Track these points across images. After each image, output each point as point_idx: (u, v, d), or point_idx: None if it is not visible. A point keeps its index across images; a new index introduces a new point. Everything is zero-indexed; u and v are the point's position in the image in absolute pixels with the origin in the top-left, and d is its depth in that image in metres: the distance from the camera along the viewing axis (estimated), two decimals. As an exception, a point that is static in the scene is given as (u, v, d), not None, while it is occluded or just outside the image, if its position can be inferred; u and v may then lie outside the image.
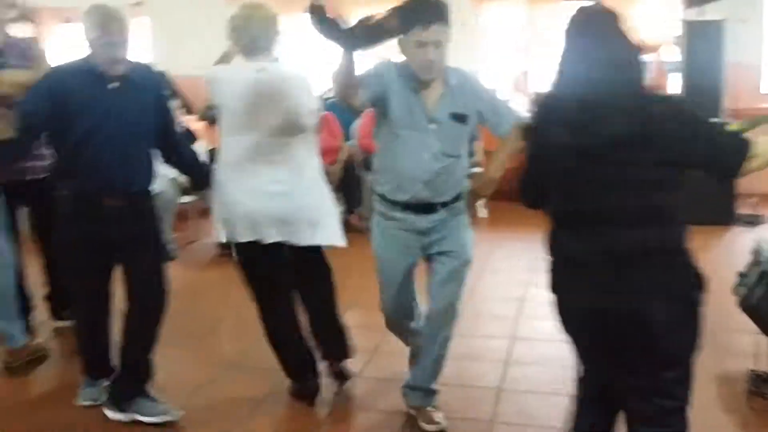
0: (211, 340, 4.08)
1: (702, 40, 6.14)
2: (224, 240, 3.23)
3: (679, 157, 1.95)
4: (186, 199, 5.70)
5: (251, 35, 3.05)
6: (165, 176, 5.48)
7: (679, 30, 6.39)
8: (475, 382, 3.43)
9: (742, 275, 3.34)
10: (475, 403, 3.23)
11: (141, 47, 9.11)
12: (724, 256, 5.14)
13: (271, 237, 3.07)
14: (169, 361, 3.49)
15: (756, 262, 3.29)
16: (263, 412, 3.23)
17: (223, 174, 3.15)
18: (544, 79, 7.91)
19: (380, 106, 2.83)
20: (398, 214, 2.90)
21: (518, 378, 3.45)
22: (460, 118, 2.84)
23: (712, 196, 6.07)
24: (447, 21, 2.73)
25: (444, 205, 2.89)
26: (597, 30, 2.04)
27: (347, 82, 2.64)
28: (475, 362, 3.65)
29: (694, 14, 6.31)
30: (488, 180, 2.90)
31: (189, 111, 7.81)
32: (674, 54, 6.67)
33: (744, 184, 6.04)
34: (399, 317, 3.11)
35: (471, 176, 3.04)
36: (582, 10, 2.08)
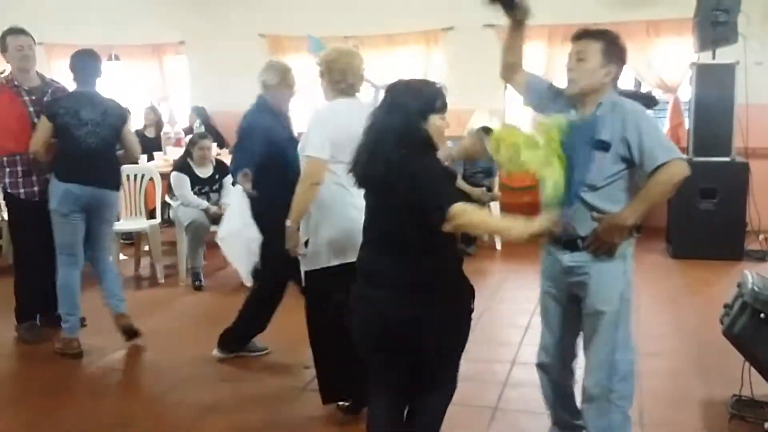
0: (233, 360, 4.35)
1: (712, 82, 6.36)
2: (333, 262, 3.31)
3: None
4: (216, 228, 6.00)
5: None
6: (198, 206, 5.86)
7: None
8: (474, 401, 3.63)
9: (726, 306, 3.53)
10: (471, 421, 3.43)
11: (179, 83, 9.61)
12: (728, 289, 5.29)
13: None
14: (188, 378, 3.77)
15: (740, 293, 3.47)
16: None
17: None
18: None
19: (541, 109, 2.90)
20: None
21: (514, 399, 3.66)
22: (604, 144, 2.66)
23: (722, 233, 6.26)
24: (597, 38, 2.71)
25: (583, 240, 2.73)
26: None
27: (508, 59, 2.89)
28: (475, 383, 3.85)
29: (707, 57, 6.52)
30: (609, 224, 2.66)
31: (221, 145, 8.23)
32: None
33: (754, 221, 6.28)
34: (554, 371, 2.98)
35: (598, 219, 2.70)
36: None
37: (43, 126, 4.26)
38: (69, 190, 4.23)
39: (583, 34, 2.75)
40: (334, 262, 3.23)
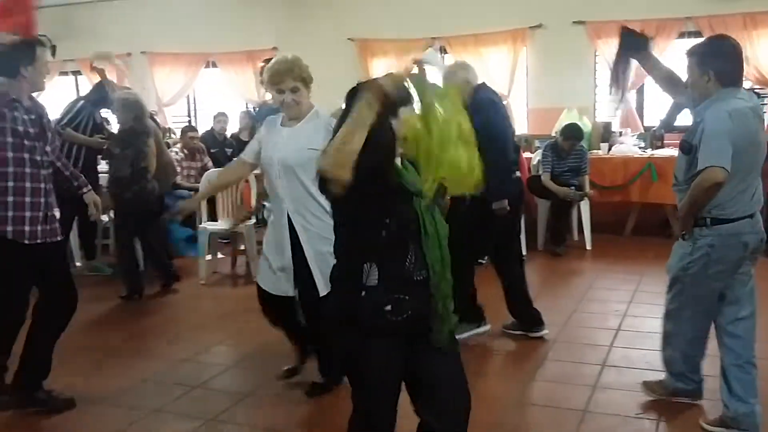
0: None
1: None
2: None
3: None
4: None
5: None
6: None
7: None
8: (563, 403, 3.64)
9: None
10: (560, 423, 3.44)
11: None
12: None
13: None
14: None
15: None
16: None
17: None
18: (655, 115, 7.96)
19: None
20: None
21: (603, 402, 3.62)
22: (685, 146, 3.09)
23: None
24: (691, 54, 3.11)
25: None
26: None
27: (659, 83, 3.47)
28: (565, 385, 3.85)
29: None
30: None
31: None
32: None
33: None
34: None
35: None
36: None
37: None
38: None
39: (686, 53, 3.13)
40: None
